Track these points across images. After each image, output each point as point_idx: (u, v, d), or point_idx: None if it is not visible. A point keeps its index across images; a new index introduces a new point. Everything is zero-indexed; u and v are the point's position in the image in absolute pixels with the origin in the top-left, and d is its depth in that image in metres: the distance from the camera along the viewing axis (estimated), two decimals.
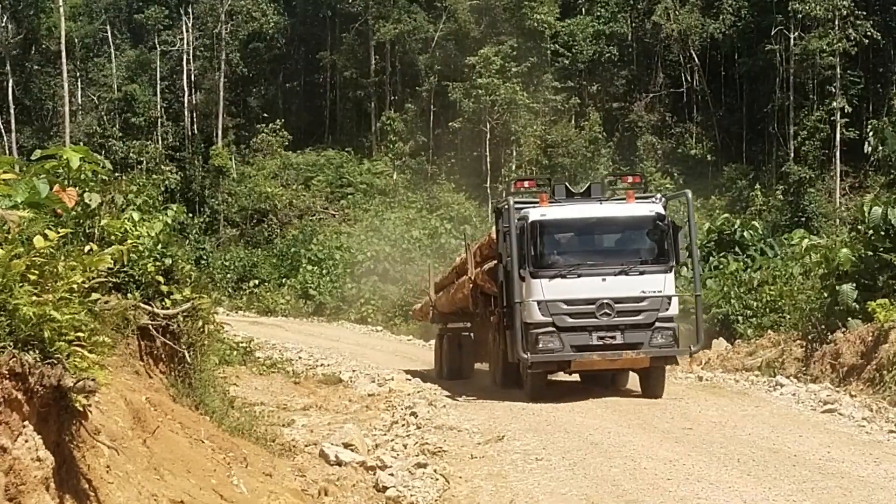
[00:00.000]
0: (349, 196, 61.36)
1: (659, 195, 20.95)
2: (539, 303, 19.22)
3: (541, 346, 19.11)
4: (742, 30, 60.48)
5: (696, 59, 62.44)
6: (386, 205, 57.28)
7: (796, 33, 56.53)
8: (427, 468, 12.51)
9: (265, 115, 69.94)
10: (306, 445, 12.77)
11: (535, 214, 19.66)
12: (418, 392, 20.11)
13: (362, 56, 69.61)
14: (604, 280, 19.32)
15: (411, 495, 11.07)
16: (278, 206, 61.31)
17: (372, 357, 28.53)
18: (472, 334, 25.70)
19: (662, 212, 19.89)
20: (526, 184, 21.73)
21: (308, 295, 47.40)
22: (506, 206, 20.19)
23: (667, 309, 19.44)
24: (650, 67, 64.74)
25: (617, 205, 20.51)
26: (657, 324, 19.37)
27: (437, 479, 12.08)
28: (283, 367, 22.16)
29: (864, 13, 55.34)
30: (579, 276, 19.34)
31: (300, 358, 26.77)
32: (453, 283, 26.05)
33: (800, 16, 55.79)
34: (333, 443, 12.73)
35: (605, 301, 19.16)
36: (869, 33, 54.99)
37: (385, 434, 15.03)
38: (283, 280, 50.73)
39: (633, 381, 21.06)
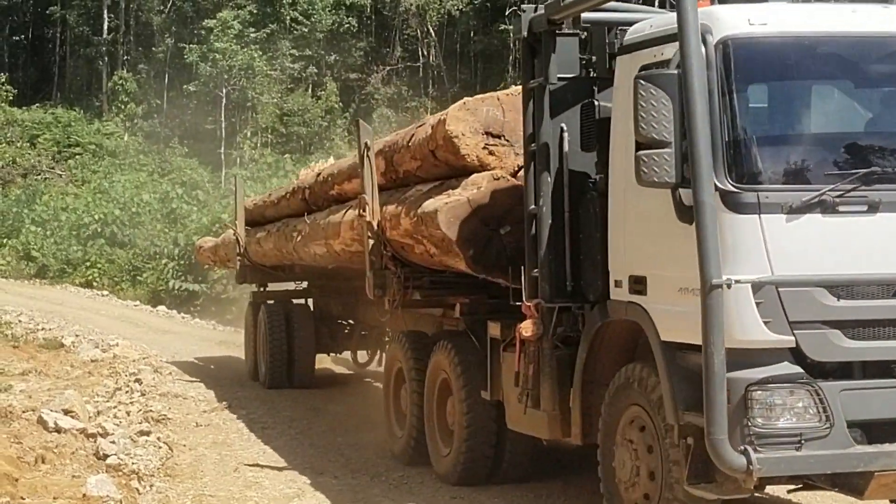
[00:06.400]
0: (77, 156, 59.48)
1: None
2: (758, 288, 6.67)
3: (765, 420, 6.63)
4: (478, 8, 61.55)
5: (433, 34, 63.22)
6: (116, 167, 55.89)
7: None
8: (150, 436, 12.39)
9: None
10: (24, 411, 12.42)
11: (736, 22, 7.04)
12: (144, 359, 19.78)
13: (95, 13, 67.55)
14: None
15: (133, 463, 10.92)
16: (0, 164, 58.88)
17: (97, 322, 27.77)
18: (311, 304, 16.57)
19: None
20: None
21: (31, 257, 45.82)
22: None
23: None
24: (388, 40, 65.16)
25: None
26: None
27: (160, 447, 11.99)
28: (2, 331, 21.45)
29: None
30: (876, 207, 6.81)
31: (20, 321, 25.82)
32: (309, 217, 13.77)
33: None
34: (53, 409, 12.43)
35: None
36: None
37: (108, 401, 14.75)
38: (4, 241, 48.87)
39: None
